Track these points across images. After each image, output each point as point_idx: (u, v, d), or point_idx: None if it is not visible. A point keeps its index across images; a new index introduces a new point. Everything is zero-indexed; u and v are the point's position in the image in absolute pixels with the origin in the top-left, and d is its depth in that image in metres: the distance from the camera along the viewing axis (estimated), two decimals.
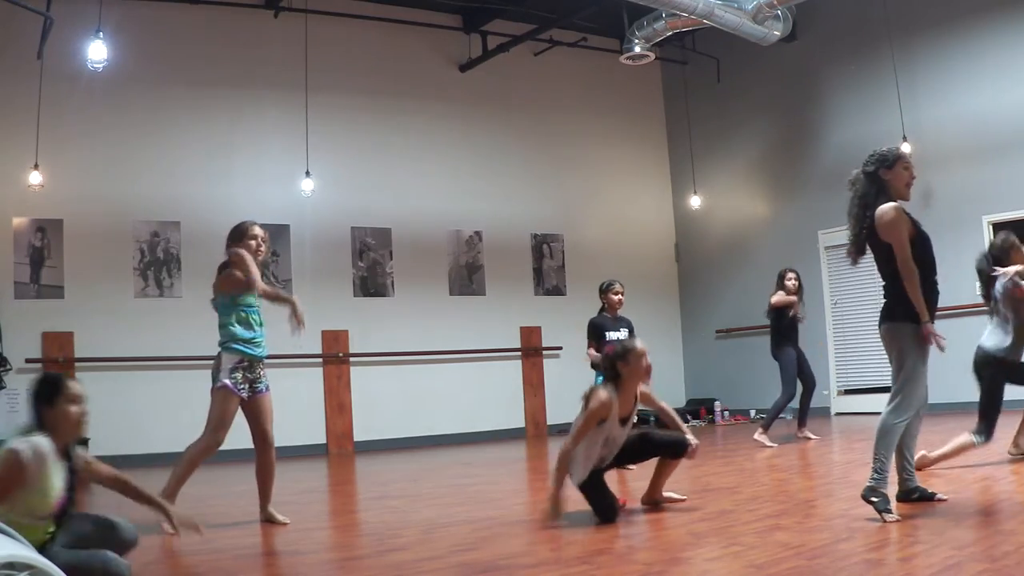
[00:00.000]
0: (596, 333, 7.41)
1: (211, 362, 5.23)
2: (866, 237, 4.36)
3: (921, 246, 4.28)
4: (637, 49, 10.92)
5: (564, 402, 11.46)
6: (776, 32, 10.64)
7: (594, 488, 4.79)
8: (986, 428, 5.50)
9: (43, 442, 3.34)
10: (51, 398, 3.49)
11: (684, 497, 5.10)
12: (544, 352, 12.14)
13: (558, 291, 12.53)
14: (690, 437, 5.00)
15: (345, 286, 11.09)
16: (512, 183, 12.27)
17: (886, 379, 4.59)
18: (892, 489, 4.51)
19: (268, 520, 5.18)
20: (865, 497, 4.25)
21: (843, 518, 4.30)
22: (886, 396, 4.38)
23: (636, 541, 4.28)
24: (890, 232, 4.24)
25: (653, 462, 5.13)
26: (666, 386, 11.94)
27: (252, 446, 5.28)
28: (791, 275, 8.62)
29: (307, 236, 10.86)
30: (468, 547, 4.21)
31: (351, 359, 10.92)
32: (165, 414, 9.23)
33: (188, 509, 4.51)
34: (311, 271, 10.82)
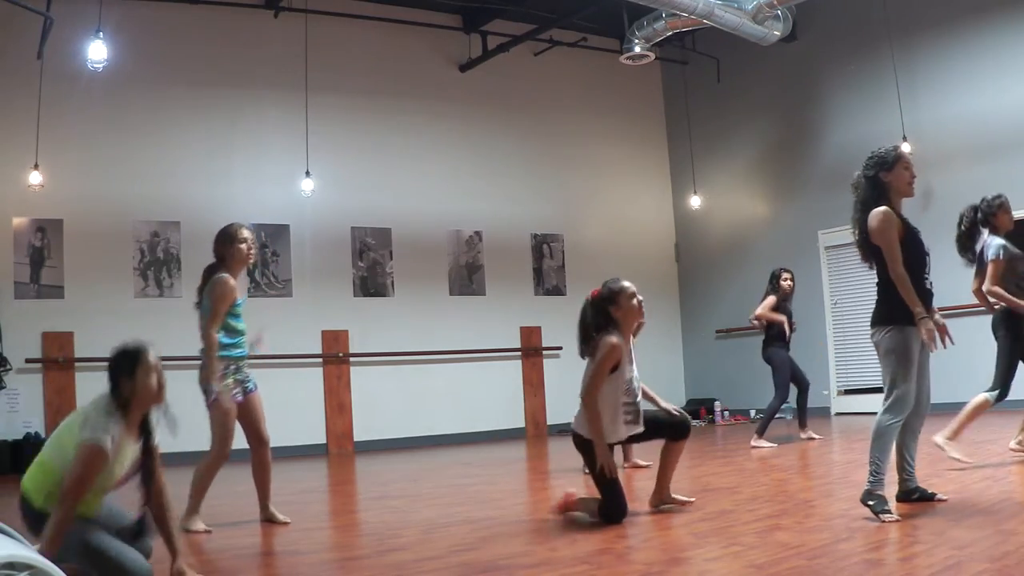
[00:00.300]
0: None
1: None
2: (866, 240, 4.37)
3: (911, 245, 4.28)
4: (637, 49, 10.92)
5: (564, 402, 11.48)
6: (776, 32, 10.65)
7: (610, 485, 4.71)
8: (1001, 384, 5.58)
9: (117, 429, 3.39)
10: (132, 369, 3.50)
11: (692, 499, 5.05)
12: (544, 352, 12.15)
13: (558, 291, 12.53)
14: (672, 407, 4.97)
15: (345, 286, 11.09)
16: (512, 183, 12.27)
17: None
18: (893, 490, 4.51)
19: (269, 520, 5.18)
20: (863, 501, 4.26)
21: (843, 518, 4.29)
22: None
23: (636, 541, 4.28)
24: (879, 236, 4.24)
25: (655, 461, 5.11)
26: (666, 386, 11.94)
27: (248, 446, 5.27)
28: (787, 275, 8.56)
29: (307, 236, 10.86)
30: (468, 547, 4.21)
31: (351, 359, 10.92)
32: None
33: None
34: (311, 271, 10.82)
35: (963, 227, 5.84)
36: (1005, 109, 9.94)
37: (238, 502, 5.90)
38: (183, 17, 10.32)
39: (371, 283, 11.28)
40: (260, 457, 5.20)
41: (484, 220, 12.04)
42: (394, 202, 11.41)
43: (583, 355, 4.95)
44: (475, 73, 12.04)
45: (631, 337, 4.99)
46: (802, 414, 8.61)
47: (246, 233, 5.19)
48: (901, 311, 4.19)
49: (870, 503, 4.18)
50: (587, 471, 6.67)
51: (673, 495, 5.00)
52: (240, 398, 5.12)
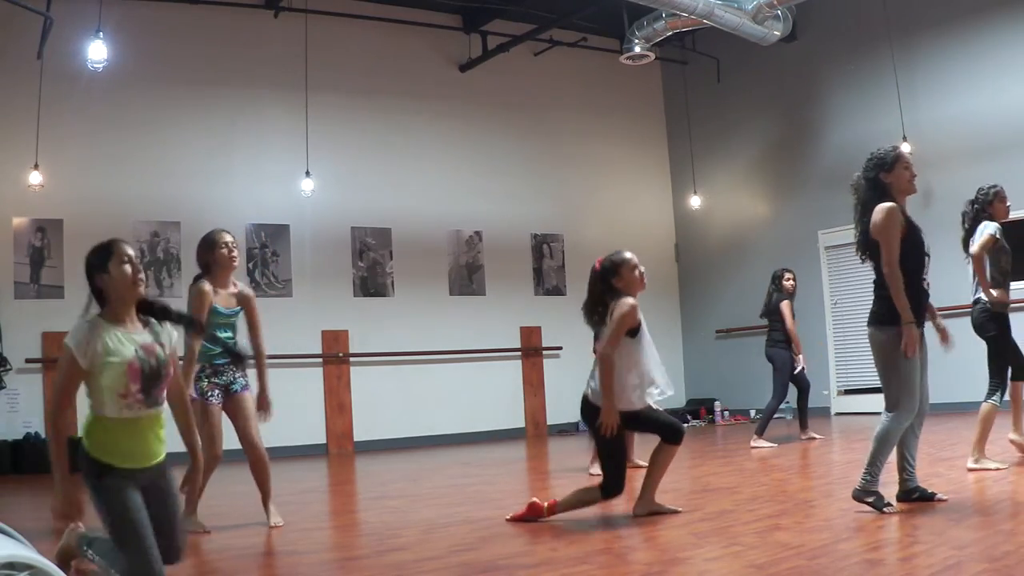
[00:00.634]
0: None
1: None
2: (867, 238, 4.37)
3: (912, 245, 4.28)
4: (637, 49, 10.92)
5: (564, 402, 11.51)
6: (776, 32, 10.65)
7: (612, 456, 4.72)
8: (998, 383, 5.55)
9: (81, 324, 3.31)
10: (104, 263, 3.39)
11: (680, 509, 4.88)
12: (544, 352, 12.15)
13: (558, 291, 12.53)
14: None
15: (345, 286, 11.09)
16: (512, 183, 12.26)
17: None
18: (893, 489, 4.51)
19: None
20: (859, 499, 4.25)
21: (843, 518, 4.30)
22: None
23: (636, 541, 4.28)
24: (880, 231, 4.25)
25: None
26: None
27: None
28: (789, 275, 8.59)
29: (307, 236, 10.86)
30: (468, 547, 4.21)
31: (351, 359, 10.92)
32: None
33: None
34: (311, 271, 10.82)
35: (967, 226, 5.84)
36: (1004, 109, 9.94)
37: (237, 502, 5.91)
38: (183, 17, 10.32)
39: (371, 283, 11.28)
40: (251, 458, 5.10)
41: (484, 220, 12.03)
42: (394, 202, 11.41)
43: (592, 325, 5.08)
44: (475, 73, 12.04)
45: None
46: (803, 416, 8.61)
47: (227, 237, 5.12)
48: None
49: (869, 500, 4.19)
50: (592, 472, 6.69)
51: (659, 504, 4.85)
52: (217, 400, 5.06)
